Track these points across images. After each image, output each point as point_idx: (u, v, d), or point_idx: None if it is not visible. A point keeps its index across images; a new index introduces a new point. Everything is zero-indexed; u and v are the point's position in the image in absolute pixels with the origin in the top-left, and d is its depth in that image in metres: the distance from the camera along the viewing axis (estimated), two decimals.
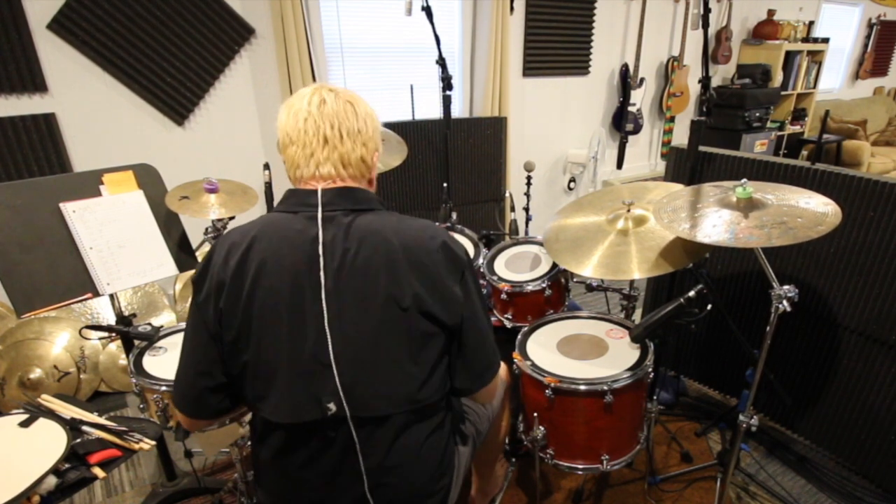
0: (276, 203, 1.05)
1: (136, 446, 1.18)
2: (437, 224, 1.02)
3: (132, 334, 1.52)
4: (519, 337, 1.61)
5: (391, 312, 0.91)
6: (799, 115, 5.08)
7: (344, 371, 0.91)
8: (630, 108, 3.91)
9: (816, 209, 1.26)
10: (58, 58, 2.23)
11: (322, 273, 0.91)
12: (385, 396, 0.94)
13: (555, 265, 1.80)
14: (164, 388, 1.39)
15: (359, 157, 0.98)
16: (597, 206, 1.72)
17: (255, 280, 0.90)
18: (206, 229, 1.70)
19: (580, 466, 1.49)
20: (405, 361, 0.93)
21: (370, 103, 1.03)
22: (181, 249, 1.66)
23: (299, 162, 0.97)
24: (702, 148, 1.98)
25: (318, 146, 0.95)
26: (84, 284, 1.47)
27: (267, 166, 1.80)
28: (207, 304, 0.93)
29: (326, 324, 0.90)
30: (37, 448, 1.10)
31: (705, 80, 1.83)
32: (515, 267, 1.90)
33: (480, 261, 1.94)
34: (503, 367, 1.46)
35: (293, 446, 0.96)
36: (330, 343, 0.90)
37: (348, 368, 0.91)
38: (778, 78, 4.64)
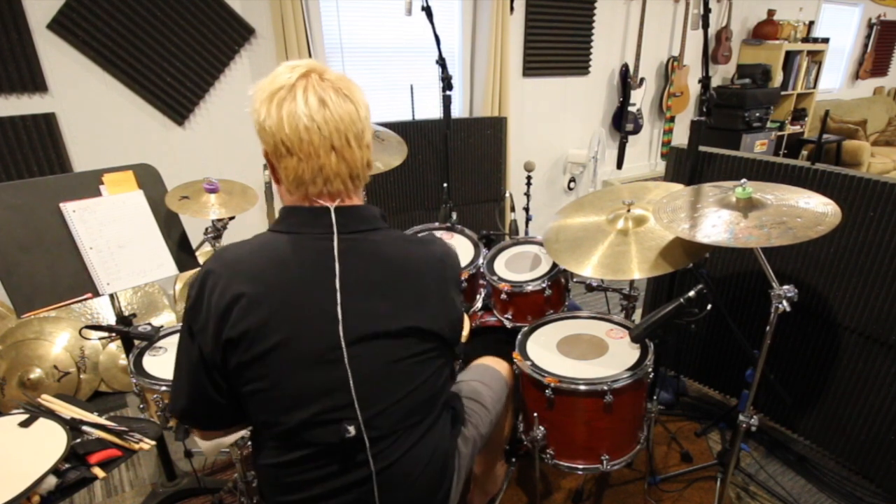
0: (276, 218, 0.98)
1: (136, 446, 1.18)
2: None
3: (132, 334, 1.52)
4: (519, 337, 1.61)
5: (402, 332, 0.91)
6: (799, 115, 5.08)
7: (362, 395, 0.89)
8: (630, 108, 3.91)
9: (816, 209, 1.26)
10: (58, 58, 2.23)
11: (339, 298, 0.86)
12: (399, 413, 0.94)
13: (555, 265, 1.80)
14: (164, 388, 1.39)
15: (365, 162, 0.92)
16: (597, 206, 1.72)
17: (263, 309, 0.84)
18: (206, 229, 1.70)
19: (580, 466, 1.49)
20: (416, 375, 0.94)
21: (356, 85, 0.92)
22: (181, 249, 1.66)
23: (304, 177, 0.87)
24: (702, 148, 1.98)
25: (327, 157, 0.86)
26: (84, 284, 1.47)
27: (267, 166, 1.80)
28: (206, 333, 0.86)
29: (344, 349, 0.87)
30: (37, 448, 1.09)
31: (705, 80, 1.83)
32: (515, 267, 1.90)
33: (480, 261, 1.94)
34: (506, 367, 1.46)
35: (303, 465, 0.94)
36: (349, 368, 0.87)
37: (365, 393, 0.89)
38: (778, 78, 4.64)
